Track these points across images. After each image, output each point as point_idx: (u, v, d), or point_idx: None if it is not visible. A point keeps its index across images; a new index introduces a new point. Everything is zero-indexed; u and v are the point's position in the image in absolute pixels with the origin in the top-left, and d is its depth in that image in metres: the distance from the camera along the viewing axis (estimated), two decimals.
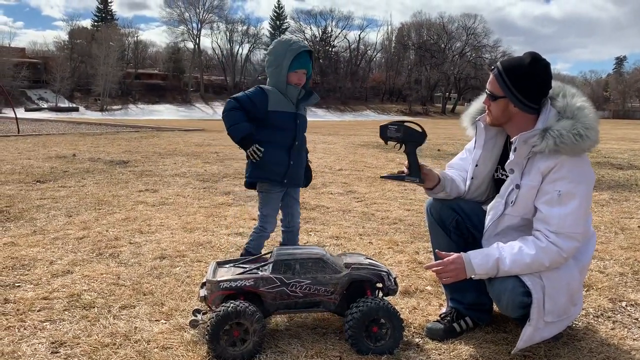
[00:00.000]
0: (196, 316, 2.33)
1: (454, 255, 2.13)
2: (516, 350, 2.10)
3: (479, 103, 2.37)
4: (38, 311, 2.59)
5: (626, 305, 2.76)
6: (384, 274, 2.34)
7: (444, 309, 2.57)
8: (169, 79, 71.19)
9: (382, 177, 2.49)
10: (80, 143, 11.71)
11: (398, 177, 2.37)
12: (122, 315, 2.56)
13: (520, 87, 2.10)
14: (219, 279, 2.24)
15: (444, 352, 2.21)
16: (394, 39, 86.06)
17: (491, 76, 2.18)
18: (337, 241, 3.94)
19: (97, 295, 2.80)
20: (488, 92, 2.19)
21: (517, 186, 2.13)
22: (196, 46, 74.27)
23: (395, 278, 2.39)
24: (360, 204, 5.37)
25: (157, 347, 2.21)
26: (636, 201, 5.64)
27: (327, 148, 11.23)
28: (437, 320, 2.43)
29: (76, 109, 57.02)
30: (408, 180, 2.35)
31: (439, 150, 11.07)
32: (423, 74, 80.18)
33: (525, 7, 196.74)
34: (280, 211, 3.09)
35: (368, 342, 2.17)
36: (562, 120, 2.07)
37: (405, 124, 2.31)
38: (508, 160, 2.16)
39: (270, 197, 2.97)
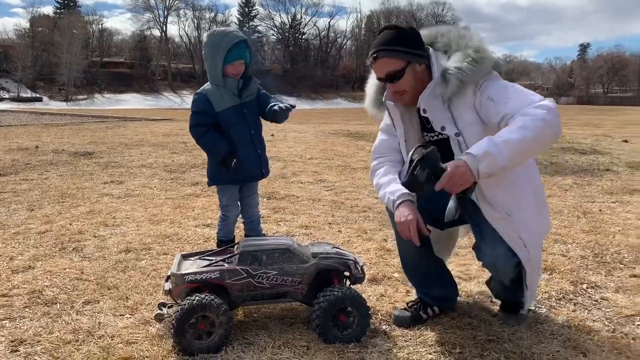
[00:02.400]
0: (162, 310, 2.30)
1: (453, 165, 1.89)
2: (526, 309, 2.34)
3: (372, 88, 2.32)
4: None
5: (587, 288, 2.83)
6: (351, 262, 2.34)
7: (411, 297, 2.60)
8: (136, 67, 69.77)
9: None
10: (43, 134, 11.39)
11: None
12: (85, 310, 2.51)
13: (409, 43, 2.07)
14: (183, 272, 2.21)
15: (410, 339, 2.23)
16: (363, 26, 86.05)
17: (380, 60, 2.09)
18: (306, 230, 3.93)
19: (60, 291, 2.73)
20: (389, 75, 2.09)
21: (458, 134, 2.08)
22: (163, 34, 72.94)
23: (362, 266, 2.39)
24: (330, 192, 5.37)
25: (121, 342, 2.17)
26: (598, 185, 5.78)
27: (297, 137, 11.18)
28: (404, 308, 2.45)
29: (39, 99, 55.41)
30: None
31: None
32: None
33: None
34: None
35: (335, 330, 2.17)
36: (452, 56, 2.07)
37: (417, 156, 1.90)
38: (432, 124, 2.14)
39: (226, 188, 3.01)
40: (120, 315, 2.46)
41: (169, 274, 2.29)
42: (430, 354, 2.11)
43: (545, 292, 2.75)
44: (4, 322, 2.38)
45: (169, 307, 2.31)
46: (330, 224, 4.11)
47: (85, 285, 2.81)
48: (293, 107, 2.93)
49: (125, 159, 7.80)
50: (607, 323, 2.41)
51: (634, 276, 2.98)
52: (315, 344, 2.16)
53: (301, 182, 5.90)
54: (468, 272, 3.03)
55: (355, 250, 3.40)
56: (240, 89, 2.84)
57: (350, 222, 4.14)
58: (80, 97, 58.91)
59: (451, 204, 2.02)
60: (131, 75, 67.88)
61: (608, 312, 2.54)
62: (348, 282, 2.37)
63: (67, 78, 57.43)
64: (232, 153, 2.83)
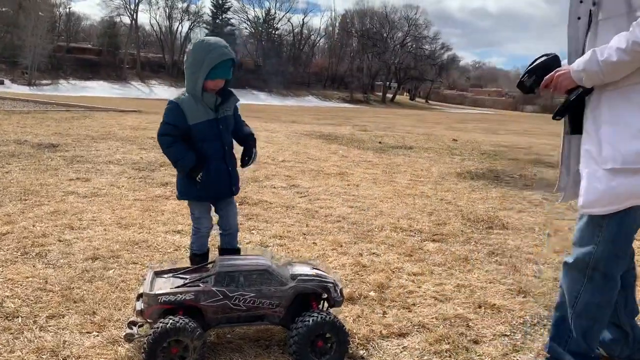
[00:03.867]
0: (132, 329, 2.21)
1: (557, 69, 2.03)
2: (580, 212, 2.06)
3: None
4: None
5: None
6: (330, 285, 2.29)
7: (388, 318, 2.57)
8: (104, 54, 67.95)
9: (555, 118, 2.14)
10: (5, 122, 10.95)
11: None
12: (49, 326, 2.38)
13: None
14: (157, 292, 2.12)
15: None
16: (337, 25, 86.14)
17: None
18: (280, 241, 3.86)
19: (22, 303, 2.60)
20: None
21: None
22: (133, 21, 71.32)
23: (341, 289, 2.34)
24: (303, 199, 5.31)
25: None
26: (568, 203, 5.88)
27: (269, 137, 11.07)
28: None
29: (1, 82, 53.47)
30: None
31: (380, 142, 11.16)
32: (365, 62, 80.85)
33: (465, 0, 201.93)
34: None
35: (313, 357, 2.12)
36: None
37: (533, 65, 2.12)
38: None
39: (196, 203, 2.87)
40: (87, 332, 2.34)
41: (141, 292, 2.19)
42: None
43: (520, 317, 2.76)
44: None
45: (139, 327, 2.22)
46: (304, 234, 4.05)
47: (49, 297, 2.68)
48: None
49: (92, 153, 7.55)
50: None
51: None
52: None
53: (274, 187, 5.82)
54: (444, 293, 3.02)
55: (331, 265, 3.36)
56: (218, 105, 2.72)
57: (325, 234, 4.10)
58: (44, 82, 57.04)
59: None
60: (98, 63, 66.08)
61: None
62: (326, 305, 2.32)
63: (31, 62, 55.52)
64: (199, 167, 2.69)
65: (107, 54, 68.11)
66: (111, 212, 4.43)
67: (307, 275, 2.30)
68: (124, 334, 2.18)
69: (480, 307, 2.86)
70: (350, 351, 2.26)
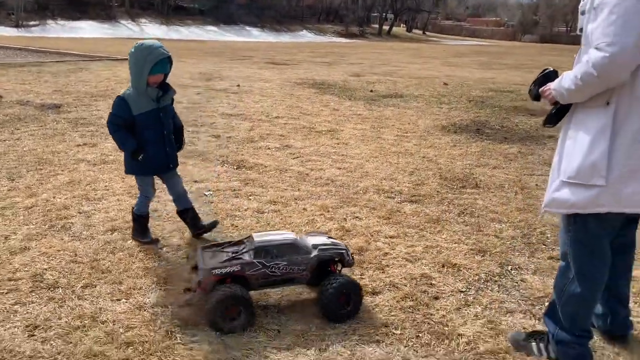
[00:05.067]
0: (187, 292, 2.81)
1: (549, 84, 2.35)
2: (541, 210, 2.43)
3: None
4: (6, 294, 2.89)
5: (511, 269, 3.39)
6: (344, 251, 2.91)
7: (365, 279, 3.10)
8: None
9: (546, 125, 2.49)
10: (3, 79, 11.18)
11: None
12: (85, 295, 2.91)
13: None
14: (211, 267, 2.71)
15: (361, 322, 2.75)
16: None
17: None
18: (274, 206, 4.35)
19: (59, 275, 3.11)
20: None
21: (583, 12, 2.21)
22: None
23: (352, 254, 2.98)
24: (296, 161, 5.76)
25: (122, 328, 2.61)
26: (539, 155, 6.35)
27: (263, 88, 11.34)
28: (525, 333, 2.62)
29: None
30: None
31: (371, 91, 11.47)
32: None
33: None
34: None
35: (339, 310, 2.72)
36: None
37: (537, 76, 2.46)
38: None
39: (140, 177, 3.59)
40: (117, 300, 2.87)
41: (195, 265, 2.83)
42: (377, 335, 2.63)
43: (476, 275, 3.30)
44: (16, 307, 2.77)
45: (193, 292, 2.78)
46: (296, 199, 4.53)
47: (80, 269, 3.20)
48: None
49: (94, 114, 7.91)
50: (521, 304, 2.98)
51: (551, 258, 3.55)
52: (284, 327, 2.65)
53: (268, 148, 6.26)
54: (414, 254, 3.54)
55: (318, 229, 3.86)
56: (160, 96, 3.37)
57: (314, 198, 4.58)
58: (31, 23, 55.75)
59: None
60: (86, 2, 64.30)
61: (524, 292, 3.11)
62: (340, 267, 2.92)
63: (17, 3, 54.06)
64: (139, 150, 3.34)
65: None
66: (121, 180, 4.89)
67: (325, 244, 2.90)
68: (185, 298, 2.80)
69: (443, 266, 3.39)
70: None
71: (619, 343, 2.61)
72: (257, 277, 2.73)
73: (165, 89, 3.43)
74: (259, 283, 2.75)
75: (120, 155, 5.75)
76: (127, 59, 3.40)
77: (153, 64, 3.24)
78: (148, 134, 3.39)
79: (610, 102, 2.13)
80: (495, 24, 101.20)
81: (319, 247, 2.85)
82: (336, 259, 2.88)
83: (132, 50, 3.27)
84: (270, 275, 2.75)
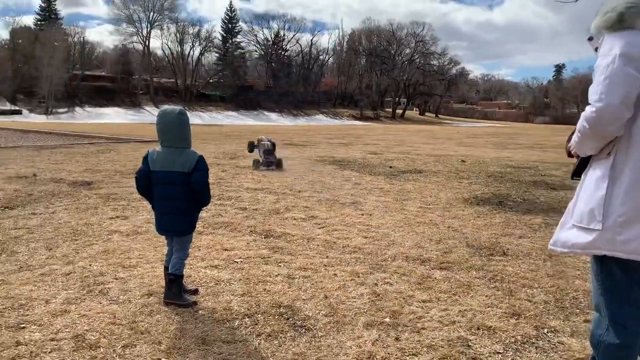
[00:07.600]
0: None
1: None
2: (548, 248, 2.56)
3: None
4: (49, 353, 2.94)
5: (547, 332, 3.37)
6: None
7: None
8: (117, 81, 69.63)
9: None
10: (37, 159, 11.68)
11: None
12: (126, 354, 2.95)
13: None
14: None
15: None
16: (345, 44, 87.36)
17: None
18: (305, 272, 4.40)
19: (99, 335, 3.17)
20: None
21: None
22: (145, 48, 73.00)
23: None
24: (322, 230, 5.86)
25: None
26: None
27: (285, 164, 11.66)
28: None
29: (19, 112, 55.03)
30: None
31: (390, 167, 11.71)
32: (374, 80, 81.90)
33: (470, 13, 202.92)
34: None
35: None
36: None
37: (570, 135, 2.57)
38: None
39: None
40: (157, 359, 2.90)
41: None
42: None
43: (512, 337, 3.27)
44: None
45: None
46: (325, 266, 4.59)
47: (120, 330, 3.25)
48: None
49: (124, 190, 8.18)
50: None
51: (587, 321, 3.51)
52: None
53: (294, 219, 6.39)
54: (448, 317, 3.54)
55: (350, 295, 3.89)
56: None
57: (344, 264, 4.64)
58: (60, 110, 58.61)
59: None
60: (113, 89, 67.74)
61: (563, 354, 3.08)
62: None
63: (48, 91, 57.11)
64: (150, 201, 3.79)
65: (121, 80, 69.71)
66: (154, 249, 5.01)
67: None
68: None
69: (479, 329, 3.38)
70: None
71: None
72: None
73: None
74: None
75: (151, 227, 5.93)
76: (152, 141, 3.72)
77: None
78: (155, 191, 3.74)
79: (610, 153, 2.32)
80: (507, 106, 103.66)
81: None
82: None
83: (177, 113, 3.63)
84: None
